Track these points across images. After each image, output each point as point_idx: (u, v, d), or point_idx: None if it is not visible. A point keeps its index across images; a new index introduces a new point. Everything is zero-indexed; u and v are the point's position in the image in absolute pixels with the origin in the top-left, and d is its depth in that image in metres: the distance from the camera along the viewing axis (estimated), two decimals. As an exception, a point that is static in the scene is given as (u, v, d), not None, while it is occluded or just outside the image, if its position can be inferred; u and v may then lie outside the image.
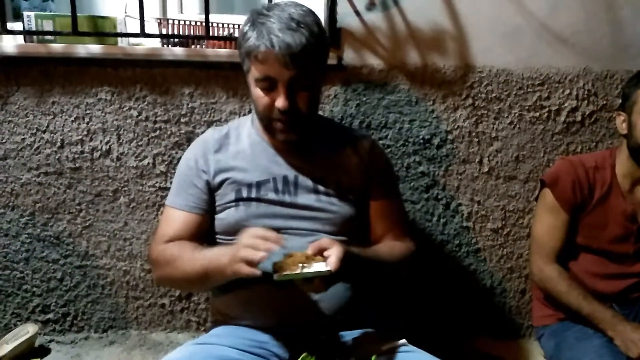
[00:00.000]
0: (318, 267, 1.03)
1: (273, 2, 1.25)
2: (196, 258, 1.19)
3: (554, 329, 1.55)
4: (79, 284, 1.71)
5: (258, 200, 1.25)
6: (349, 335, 1.23)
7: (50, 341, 1.71)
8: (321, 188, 1.27)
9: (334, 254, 1.03)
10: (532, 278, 1.60)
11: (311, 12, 1.20)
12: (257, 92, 1.20)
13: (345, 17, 1.61)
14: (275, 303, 1.18)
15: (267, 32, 1.13)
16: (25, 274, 1.69)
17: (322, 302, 1.19)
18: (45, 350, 1.67)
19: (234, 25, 1.67)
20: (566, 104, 1.71)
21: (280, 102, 1.16)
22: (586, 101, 1.71)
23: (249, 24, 1.18)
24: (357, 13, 1.61)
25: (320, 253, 1.05)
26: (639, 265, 1.51)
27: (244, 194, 1.26)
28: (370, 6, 1.61)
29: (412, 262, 1.32)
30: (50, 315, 1.72)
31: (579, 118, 1.72)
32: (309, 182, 1.27)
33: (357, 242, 1.21)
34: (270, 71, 1.15)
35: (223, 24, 1.66)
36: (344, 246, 1.06)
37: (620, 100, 1.52)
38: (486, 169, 1.74)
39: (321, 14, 1.58)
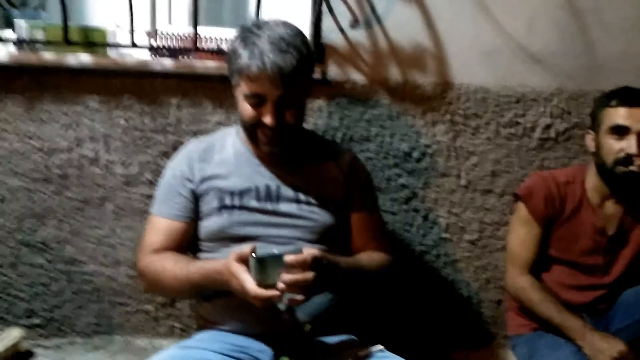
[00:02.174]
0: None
1: (262, 20, 1.28)
2: (180, 273, 1.23)
3: (527, 338, 1.59)
4: (64, 289, 1.73)
5: (241, 208, 1.29)
6: (327, 340, 1.27)
7: (35, 346, 1.72)
8: (302, 197, 1.31)
9: (314, 250, 1.11)
10: (507, 288, 1.64)
11: (300, 33, 1.25)
12: (245, 106, 1.24)
13: (330, 33, 1.66)
14: (255, 309, 1.19)
15: (259, 53, 1.17)
16: (12, 279, 1.71)
17: (301, 308, 1.23)
18: (30, 355, 1.68)
19: (221, 38, 1.72)
20: (540, 121, 1.78)
21: (268, 119, 1.21)
22: (560, 119, 1.78)
23: (239, 41, 1.22)
24: (341, 30, 1.66)
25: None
26: (608, 277, 1.56)
27: (227, 201, 1.29)
28: (354, 24, 1.66)
29: (390, 275, 1.36)
30: (36, 320, 1.74)
31: (552, 135, 1.79)
32: (290, 192, 1.31)
33: (338, 252, 1.25)
34: (260, 89, 1.20)
35: (211, 37, 1.71)
36: (320, 252, 1.12)
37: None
38: (464, 182, 1.79)
39: (306, 30, 1.62)
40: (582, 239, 1.56)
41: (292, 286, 1.07)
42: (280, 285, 1.07)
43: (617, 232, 1.56)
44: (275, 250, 1.10)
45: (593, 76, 1.75)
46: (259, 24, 1.23)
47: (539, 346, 1.53)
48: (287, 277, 1.07)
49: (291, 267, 1.08)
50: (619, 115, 1.47)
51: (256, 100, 1.21)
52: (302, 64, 1.20)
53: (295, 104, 1.25)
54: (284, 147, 1.28)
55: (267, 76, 1.17)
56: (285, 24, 1.24)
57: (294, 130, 1.27)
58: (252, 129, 1.26)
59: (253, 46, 1.18)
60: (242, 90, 1.23)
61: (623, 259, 1.57)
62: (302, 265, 1.09)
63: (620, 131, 1.47)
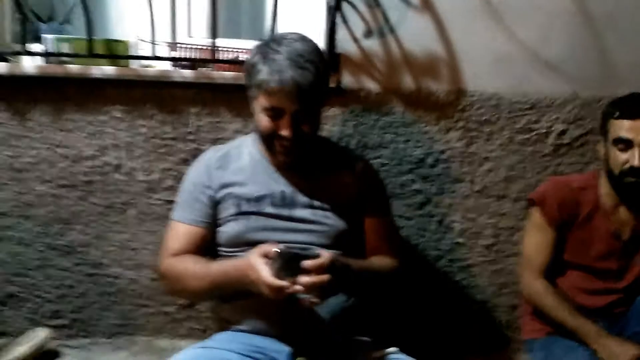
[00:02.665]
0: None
1: (280, 35, 1.31)
2: (201, 274, 1.29)
3: (542, 343, 1.59)
4: (89, 291, 1.79)
5: (257, 214, 1.32)
6: (343, 341, 1.30)
7: (61, 345, 1.77)
8: (317, 203, 1.34)
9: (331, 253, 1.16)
10: (522, 293, 1.65)
11: (316, 48, 1.28)
12: (262, 118, 1.27)
13: (344, 43, 1.69)
14: (273, 310, 1.24)
15: (277, 69, 1.21)
16: (39, 281, 1.77)
17: (318, 309, 1.26)
18: (56, 354, 1.73)
19: (239, 49, 1.77)
20: (554, 128, 1.78)
21: (285, 132, 1.25)
22: (574, 125, 1.78)
23: (258, 56, 1.25)
24: (355, 40, 1.69)
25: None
26: (623, 281, 1.56)
27: (244, 208, 1.33)
28: (368, 33, 1.70)
29: (397, 277, 1.39)
30: (61, 321, 1.80)
31: (567, 141, 1.80)
32: (305, 198, 1.34)
33: (351, 256, 1.28)
34: (278, 103, 1.23)
35: (229, 48, 1.76)
36: (334, 254, 1.17)
37: (604, 127, 1.60)
38: (478, 188, 1.81)
39: (321, 40, 1.67)
40: (596, 243, 1.56)
41: (308, 288, 1.12)
42: (297, 287, 1.11)
43: (631, 236, 1.56)
44: (299, 250, 1.16)
45: (607, 82, 1.75)
46: (277, 40, 1.27)
47: (554, 350, 1.53)
48: (304, 279, 1.11)
49: (309, 271, 1.12)
50: (621, 127, 1.46)
51: (274, 113, 1.25)
52: (319, 78, 1.23)
53: (311, 116, 1.28)
54: (300, 157, 1.32)
55: (286, 92, 1.21)
56: (303, 39, 1.27)
57: (309, 141, 1.30)
58: (269, 140, 1.29)
59: (272, 62, 1.22)
60: (260, 103, 1.26)
61: (637, 264, 1.56)
62: (319, 269, 1.13)
63: (624, 143, 1.46)
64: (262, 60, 1.24)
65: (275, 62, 1.22)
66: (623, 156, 1.47)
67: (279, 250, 1.13)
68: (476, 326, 1.90)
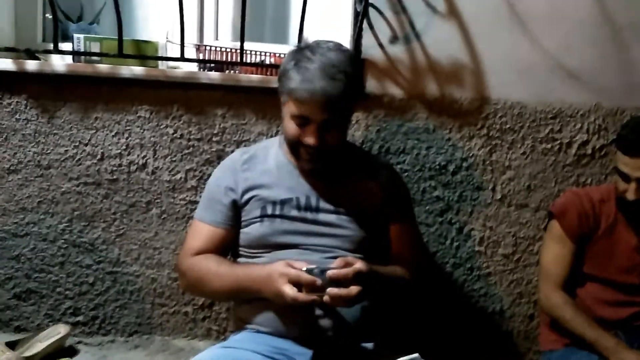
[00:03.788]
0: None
1: (316, 42, 1.30)
2: (225, 275, 1.30)
3: (560, 354, 1.59)
4: (109, 289, 1.80)
5: (282, 217, 1.33)
6: (364, 346, 1.30)
7: (79, 342, 1.78)
8: (341, 209, 1.35)
9: (360, 264, 1.17)
10: (540, 305, 1.65)
11: (350, 57, 1.28)
12: (290, 124, 1.28)
13: (370, 49, 1.71)
14: (296, 312, 1.25)
15: (309, 78, 1.21)
16: (60, 278, 1.78)
17: (341, 313, 1.27)
18: (74, 351, 1.74)
19: (265, 52, 1.79)
20: (577, 138, 1.79)
21: (311, 140, 1.25)
22: (597, 135, 1.79)
23: (292, 63, 1.25)
24: (380, 46, 1.71)
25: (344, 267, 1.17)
26: (645, 294, 1.55)
27: (269, 210, 1.34)
28: (394, 40, 1.71)
29: (417, 286, 1.41)
30: (80, 318, 1.80)
31: (589, 151, 1.80)
32: (330, 203, 1.35)
33: (375, 261, 1.28)
34: (307, 112, 1.24)
35: (255, 52, 1.78)
36: (364, 264, 1.18)
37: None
38: (499, 196, 1.81)
39: (347, 45, 1.67)
40: (617, 257, 1.56)
41: (336, 299, 1.14)
42: (325, 297, 1.14)
43: (653, 250, 1.56)
44: (328, 264, 1.18)
45: (631, 93, 1.76)
46: (312, 47, 1.27)
47: (572, 362, 1.53)
48: (333, 290, 1.14)
49: (335, 281, 1.14)
50: (621, 160, 1.48)
51: (302, 121, 1.26)
52: (349, 89, 1.23)
53: (338, 127, 1.29)
54: (324, 165, 1.33)
55: (315, 101, 1.22)
56: (339, 49, 1.27)
57: (334, 150, 1.31)
58: (295, 146, 1.30)
59: (305, 71, 1.22)
60: (289, 109, 1.27)
61: (658, 277, 1.56)
62: (346, 280, 1.15)
63: (623, 175, 1.48)
64: (294, 68, 1.24)
65: (308, 70, 1.22)
66: (623, 185, 1.49)
67: (304, 269, 1.16)
68: (493, 335, 1.89)
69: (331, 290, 1.14)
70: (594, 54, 1.74)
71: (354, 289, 1.15)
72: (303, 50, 1.27)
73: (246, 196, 1.36)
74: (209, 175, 1.49)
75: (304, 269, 1.16)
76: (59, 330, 1.70)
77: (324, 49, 1.26)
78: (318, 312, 1.26)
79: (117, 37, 1.63)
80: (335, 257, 1.23)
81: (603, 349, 1.47)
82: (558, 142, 1.79)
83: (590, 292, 1.59)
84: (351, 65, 1.26)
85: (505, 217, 1.83)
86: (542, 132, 1.78)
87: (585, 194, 1.60)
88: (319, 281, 1.14)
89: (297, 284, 1.16)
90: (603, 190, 1.61)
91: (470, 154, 1.79)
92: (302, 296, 1.15)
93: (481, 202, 1.81)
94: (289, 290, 1.15)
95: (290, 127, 1.28)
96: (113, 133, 1.73)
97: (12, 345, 1.62)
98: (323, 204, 1.35)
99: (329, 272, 1.15)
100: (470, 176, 1.80)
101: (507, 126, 1.78)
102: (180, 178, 1.75)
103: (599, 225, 1.56)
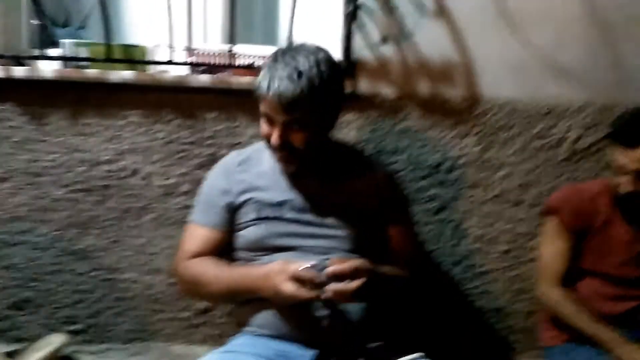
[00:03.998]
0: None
1: (296, 45, 1.29)
2: (223, 276, 1.30)
3: (560, 350, 1.59)
4: (104, 297, 1.79)
5: (278, 219, 1.33)
6: (367, 346, 1.30)
7: (76, 351, 1.77)
8: (338, 210, 1.34)
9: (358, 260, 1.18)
10: (539, 300, 1.65)
11: (322, 61, 1.24)
12: (262, 123, 1.30)
13: (361, 50, 1.70)
14: (296, 313, 1.25)
15: (270, 77, 1.22)
16: (54, 286, 1.77)
17: (344, 313, 1.26)
18: (71, 360, 1.74)
19: (254, 55, 1.77)
20: (570, 134, 1.79)
21: (273, 139, 1.26)
22: (589, 131, 1.79)
23: (268, 62, 1.26)
24: (371, 46, 1.70)
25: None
26: (643, 288, 1.56)
27: (265, 213, 1.33)
28: (384, 40, 1.70)
29: (415, 286, 1.41)
30: (77, 326, 1.79)
31: (582, 147, 1.80)
32: (326, 204, 1.34)
33: (373, 262, 1.27)
34: (269, 111, 1.25)
35: (244, 54, 1.77)
36: (369, 263, 1.20)
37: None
38: (494, 194, 1.81)
39: (337, 46, 1.67)
40: (614, 251, 1.56)
41: (336, 294, 1.14)
42: (325, 294, 1.14)
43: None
44: (326, 262, 1.18)
45: (622, 89, 1.76)
46: (285, 50, 1.27)
47: (574, 357, 1.53)
48: (333, 285, 1.14)
49: (335, 277, 1.14)
50: (618, 153, 1.48)
51: (268, 120, 1.27)
52: (310, 94, 1.21)
53: (305, 128, 1.26)
54: (298, 166, 1.32)
55: (274, 102, 1.22)
56: (310, 52, 1.25)
57: (304, 152, 1.28)
58: (268, 145, 1.31)
59: (273, 71, 1.22)
60: (261, 107, 1.28)
61: (657, 270, 1.56)
62: (344, 276, 1.15)
63: (619, 167, 1.48)
64: (267, 67, 1.25)
65: (274, 71, 1.22)
66: (618, 179, 1.49)
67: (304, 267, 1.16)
68: (492, 332, 1.89)
69: (332, 285, 1.14)
70: (585, 51, 1.73)
71: (353, 283, 1.15)
72: (279, 51, 1.27)
73: (241, 198, 1.36)
74: (202, 179, 1.48)
75: (302, 267, 1.16)
76: (56, 339, 1.69)
77: (296, 52, 1.25)
78: (318, 312, 1.25)
79: (105, 42, 1.62)
80: None
81: (604, 343, 1.47)
82: (551, 139, 1.79)
83: (589, 287, 1.59)
84: (324, 68, 1.24)
85: (501, 215, 1.82)
86: (534, 129, 1.78)
87: (580, 188, 1.61)
88: (318, 276, 1.14)
89: (296, 282, 1.16)
90: (599, 184, 1.61)
91: (464, 152, 1.78)
92: (302, 292, 1.14)
93: (476, 200, 1.81)
94: (289, 287, 1.15)
95: (262, 126, 1.30)
96: (104, 138, 1.71)
97: (11, 356, 1.61)
98: (319, 206, 1.34)
99: (328, 269, 1.15)
100: (465, 174, 1.79)
101: (500, 124, 1.77)
102: (173, 183, 1.74)
103: (595, 219, 1.57)
